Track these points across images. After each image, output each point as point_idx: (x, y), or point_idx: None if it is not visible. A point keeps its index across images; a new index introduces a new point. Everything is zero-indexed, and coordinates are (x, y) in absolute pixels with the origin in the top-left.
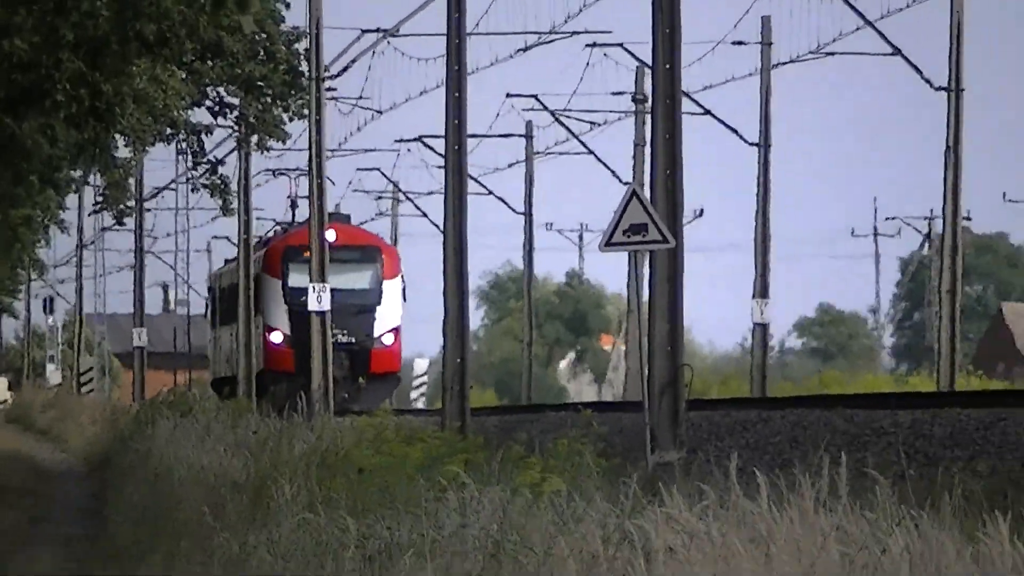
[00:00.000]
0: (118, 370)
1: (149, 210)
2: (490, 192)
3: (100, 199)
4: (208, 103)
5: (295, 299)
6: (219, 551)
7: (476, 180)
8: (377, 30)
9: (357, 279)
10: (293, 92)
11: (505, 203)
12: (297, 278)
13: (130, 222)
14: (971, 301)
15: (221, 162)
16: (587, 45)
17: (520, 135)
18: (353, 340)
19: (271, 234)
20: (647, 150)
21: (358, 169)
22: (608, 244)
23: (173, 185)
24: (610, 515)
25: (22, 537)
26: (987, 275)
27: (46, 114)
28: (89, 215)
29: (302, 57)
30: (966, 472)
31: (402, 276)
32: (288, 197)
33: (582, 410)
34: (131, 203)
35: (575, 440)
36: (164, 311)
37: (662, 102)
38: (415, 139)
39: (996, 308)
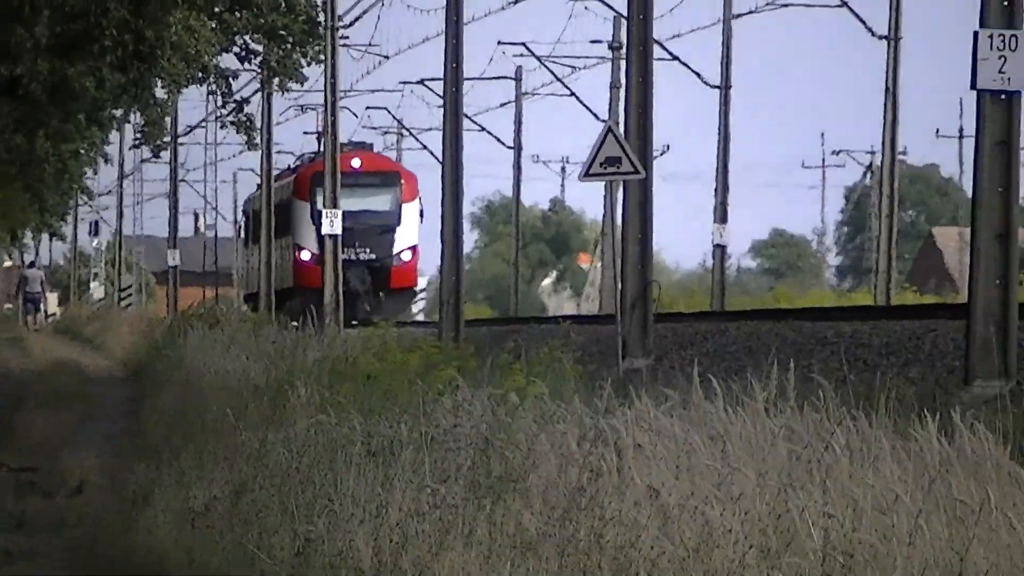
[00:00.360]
0: (154, 287)
1: (183, 144)
2: (483, 129)
3: (139, 135)
4: (235, 50)
5: (322, 220)
6: (242, 448)
7: (471, 118)
8: None
9: (378, 201)
10: (311, 39)
11: (497, 138)
12: (321, 200)
13: (165, 156)
14: (905, 226)
15: (247, 101)
16: None
17: (510, 78)
18: (374, 257)
19: (299, 162)
20: (622, 92)
21: (367, 107)
22: (587, 175)
23: (204, 123)
24: (586, 415)
25: (70, 435)
26: (920, 203)
27: (95, 58)
28: (129, 149)
29: (319, 8)
30: (900, 377)
31: (419, 199)
32: (316, 130)
33: (562, 322)
34: (167, 139)
35: (556, 349)
36: (194, 234)
37: (635, 49)
38: (418, 81)
39: (927, 232)
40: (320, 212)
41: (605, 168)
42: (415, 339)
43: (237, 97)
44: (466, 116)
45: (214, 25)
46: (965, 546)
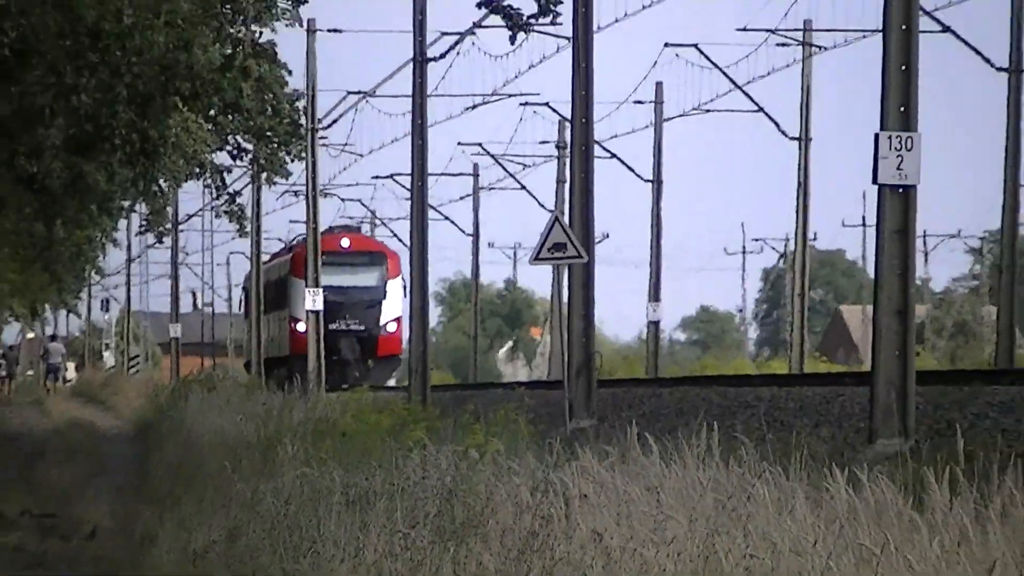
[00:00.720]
0: (159, 356)
1: (182, 231)
2: (446, 218)
3: (144, 223)
4: (228, 148)
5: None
6: (236, 497)
7: (435, 208)
8: (359, 92)
9: (366, 278)
10: (294, 139)
11: (457, 226)
12: (320, 276)
13: (167, 241)
14: (815, 303)
15: (239, 194)
16: (521, 104)
17: (469, 174)
18: (363, 328)
19: (294, 243)
20: (567, 186)
21: (343, 199)
22: (536, 259)
23: (200, 212)
24: (537, 469)
25: (84, 485)
26: (828, 283)
27: (106, 155)
28: (136, 235)
29: (301, 112)
30: (812, 436)
31: (403, 276)
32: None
33: (516, 388)
34: (168, 226)
35: (511, 410)
36: (193, 310)
37: (578, 148)
38: (388, 176)
39: (835, 309)
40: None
41: (552, 253)
42: (388, 401)
43: (230, 190)
44: (431, 207)
45: (210, 127)
46: None
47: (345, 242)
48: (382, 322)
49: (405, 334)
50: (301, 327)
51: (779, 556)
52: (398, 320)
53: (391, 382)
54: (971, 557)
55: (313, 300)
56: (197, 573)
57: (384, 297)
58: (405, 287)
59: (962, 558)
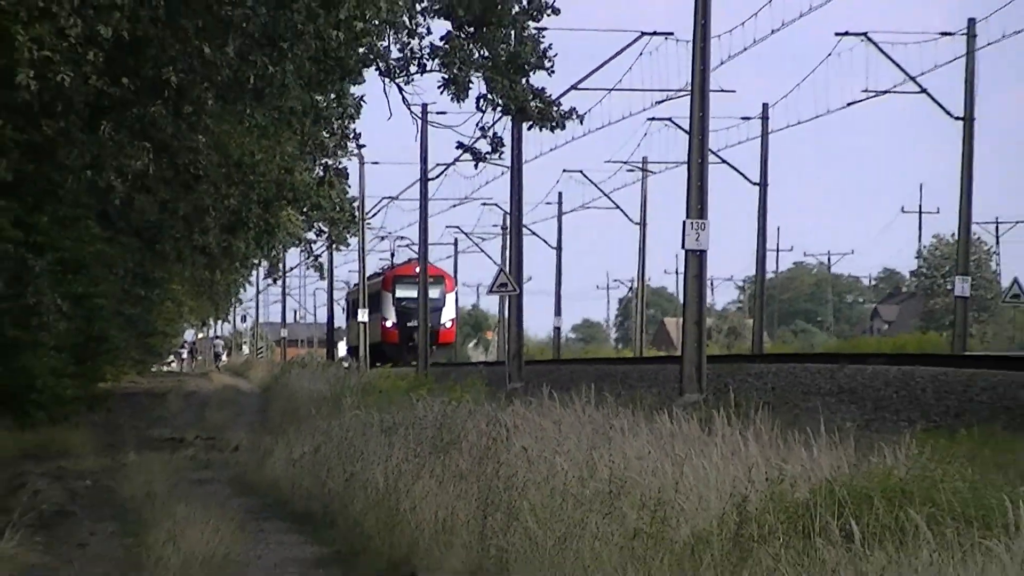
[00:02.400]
0: (274, 348)
1: (289, 277)
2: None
3: (267, 272)
4: (314, 229)
5: (399, 303)
6: (317, 428)
7: (432, 264)
8: (389, 197)
9: (431, 292)
10: (352, 225)
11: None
12: (400, 291)
13: (279, 282)
14: (650, 317)
15: (319, 256)
16: (481, 204)
17: (450, 244)
18: (430, 325)
19: (383, 270)
20: (508, 252)
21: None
22: (490, 292)
23: (297, 266)
24: (490, 411)
25: (230, 423)
26: (657, 305)
27: (244, 233)
28: (263, 279)
29: (356, 209)
30: (648, 393)
31: (456, 291)
32: (391, 256)
33: (478, 365)
34: (279, 275)
35: (475, 378)
36: (294, 321)
37: (513, 229)
38: (406, 245)
39: (661, 320)
40: (398, 298)
41: (500, 288)
42: (406, 373)
43: (317, 254)
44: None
45: (303, 217)
46: (679, 475)
47: (417, 268)
48: (442, 321)
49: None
50: (388, 323)
51: (629, 460)
52: (453, 320)
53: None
54: (739, 461)
55: (361, 314)
56: (296, 471)
57: (443, 304)
58: (457, 298)
59: (734, 461)
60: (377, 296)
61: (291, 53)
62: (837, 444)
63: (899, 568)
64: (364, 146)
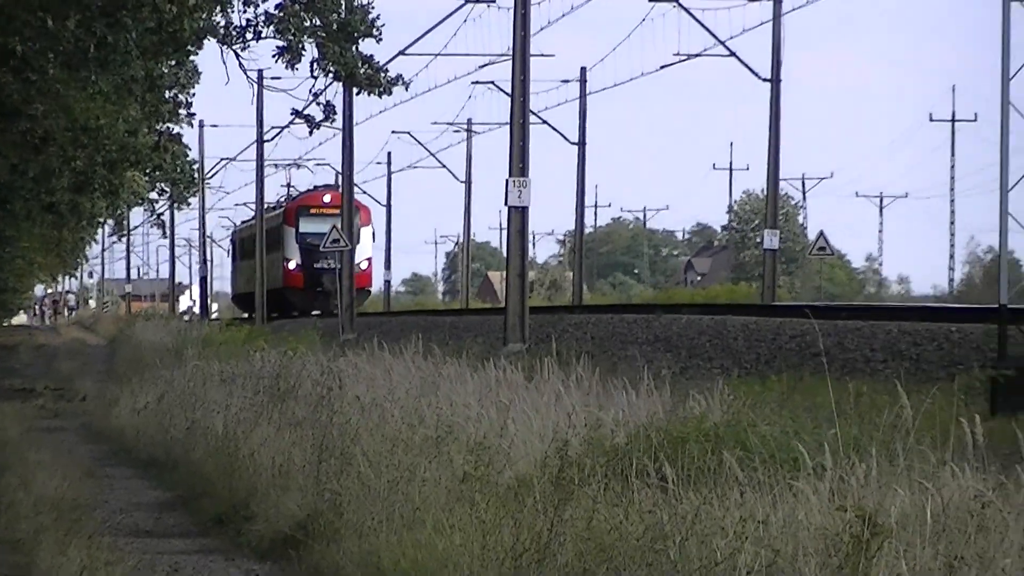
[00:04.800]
0: (120, 302)
1: (131, 234)
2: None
3: (113, 231)
4: (156, 190)
5: (304, 240)
6: (161, 378)
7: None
8: (227, 158)
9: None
10: (192, 186)
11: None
12: (305, 225)
13: (123, 240)
14: (475, 271)
15: (161, 215)
16: (316, 164)
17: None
18: (340, 266)
19: (283, 200)
20: (340, 211)
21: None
22: (323, 248)
23: (141, 225)
24: (324, 361)
25: (78, 373)
26: (482, 259)
27: (90, 194)
28: (108, 237)
29: (195, 170)
30: (474, 342)
31: (372, 225)
32: (286, 183)
33: (314, 317)
34: (123, 233)
35: (310, 330)
36: (138, 276)
37: (345, 191)
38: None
39: (486, 273)
40: (303, 234)
41: (332, 244)
42: (242, 324)
43: (159, 212)
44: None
45: (146, 179)
46: (504, 420)
47: (326, 197)
48: (356, 261)
49: (376, 271)
50: (292, 265)
51: (456, 407)
52: (369, 260)
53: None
54: (561, 408)
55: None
56: (141, 420)
57: (358, 241)
58: (374, 234)
59: (556, 408)
60: (277, 233)
61: (129, 24)
62: (653, 391)
63: (711, 508)
64: (195, 114)
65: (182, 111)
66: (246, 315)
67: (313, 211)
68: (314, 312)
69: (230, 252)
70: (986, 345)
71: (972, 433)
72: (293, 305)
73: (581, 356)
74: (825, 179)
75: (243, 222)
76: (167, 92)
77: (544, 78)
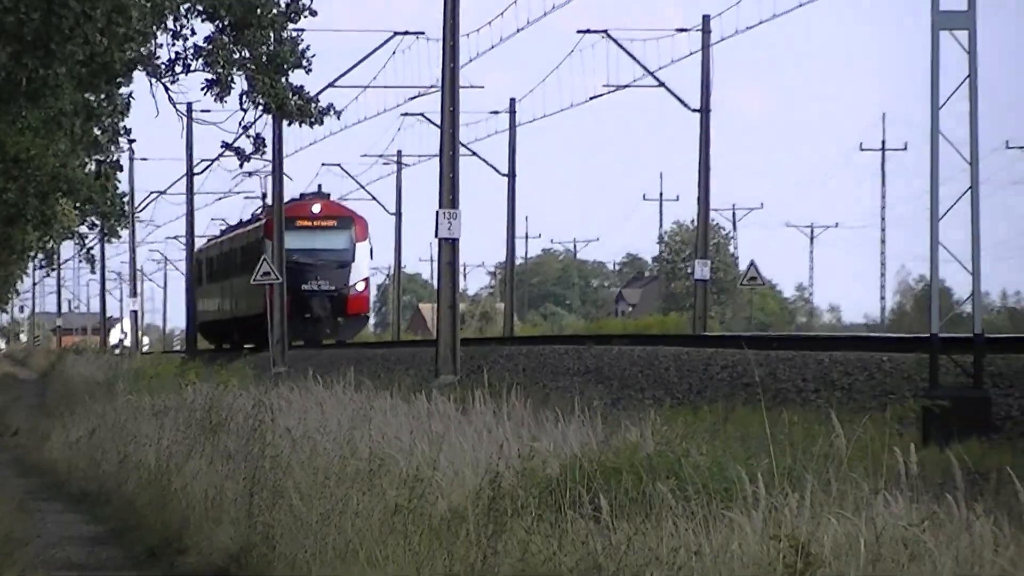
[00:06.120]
0: (51, 336)
1: (64, 270)
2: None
3: (42, 265)
4: (87, 223)
5: (289, 258)
6: (93, 412)
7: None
8: (158, 191)
9: (336, 241)
10: (122, 218)
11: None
12: (291, 241)
13: (54, 275)
14: (407, 303)
15: (91, 249)
16: (244, 197)
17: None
18: (333, 288)
19: (260, 212)
20: (271, 243)
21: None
22: (253, 281)
23: (72, 259)
24: (255, 394)
25: (9, 407)
26: (413, 291)
27: (21, 227)
28: (37, 270)
29: (126, 203)
30: (406, 375)
31: (370, 239)
32: (263, 193)
33: (244, 351)
34: (54, 267)
35: (243, 363)
36: (68, 311)
37: (276, 223)
38: (173, 238)
39: (417, 305)
40: (289, 251)
41: (263, 277)
42: (175, 357)
43: (89, 246)
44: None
45: (76, 211)
46: (437, 452)
47: (316, 207)
48: (351, 282)
49: (373, 294)
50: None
51: (388, 439)
52: (366, 280)
53: (178, 346)
54: (493, 439)
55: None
56: (73, 454)
57: (353, 259)
58: (372, 250)
59: (489, 439)
60: (255, 249)
61: (60, 56)
62: (586, 422)
63: (645, 538)
64: (135, 140)
65: (122, 138)
66: (214, 347)
67: (300, 223)
68: (296, 343)
69: (192, 274)
70: (918, 375)
71: (905, 462)
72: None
73: (513, 387)
74: (755, 209)
75: (209, 239)
76: (103, 120)
77: (474, 109)
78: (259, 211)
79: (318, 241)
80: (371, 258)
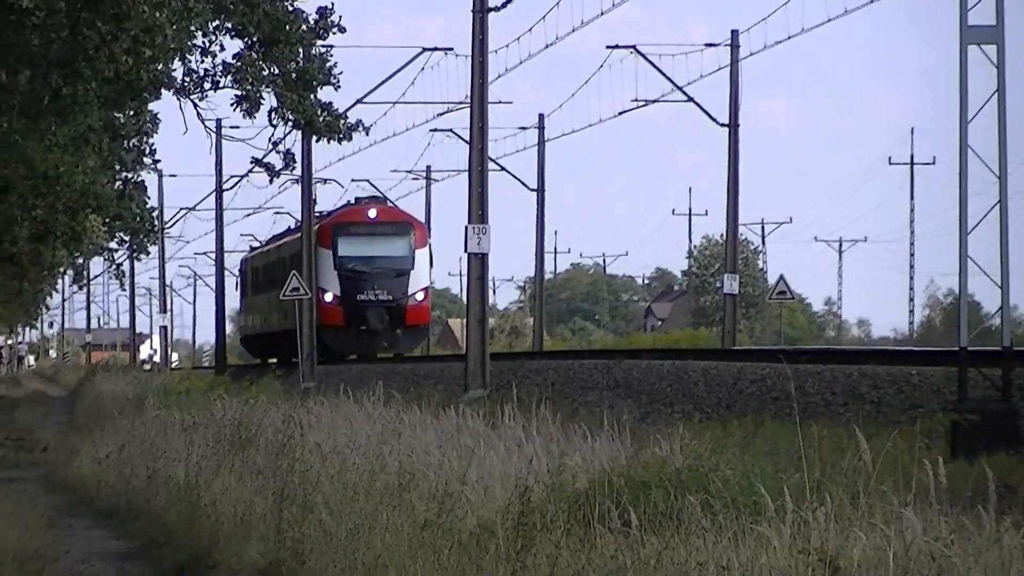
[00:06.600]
0: (80, 352)
1: (93, 286)
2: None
3: (73, 281)
4: (116, 239)
5: (343, 266)
6: (122, 428)
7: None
8: (187, 207)
9: (393, 248)
10: (151, 234)
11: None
12: (346, 248)
13: (84, 290)
14: (436, 319)
15: (120, 264)
16: (274, 213)
17: (241, 251)
18: (391, 298)
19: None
20: (301, 260)
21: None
22: (283, 297)
23: (101, 275)
24: (285, 409)
25: (39, 424)
26: (443, 307)
27: (51, 243)
28: (69, 287)
29: (155, 219)
30: (435, 389)
31: (430, 246)
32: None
33: (272, 365)
34: (84, 283)
35: (271, 377)
36: (98, 327)
37: (305, 239)
38: (203, 253)
39: (446, 321)
40: (343, 258)
41: (292, 293)
42: (204, 373)
43: (118, 262)
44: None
45: (104, 228)
46: (465, 468)
47: (372, 212)
48: (410, 291)
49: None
50: (329, 297)
51: (417, 454)
52: (426, 290)
53: (206, 362)
54: (522, 454)
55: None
56: (102, 470)
57: (412, 267)
58: (432, 257)
59: (518, 454)
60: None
61: (85, 75)
62: (615, 436)
63: (674, 553)
64: (160, 161)
65: (146, 159)
66: (259, 361)
67: (355, 229)
68: (351, 356)
69: (238, 285)
70: (946, 388)
71: (935, 475)
72: (328, 348)
73: (542, 402)
74: (784, 224)
75: (255, 247)
76: (129, 140)
77: (502, 125)
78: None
79: (375, 248)
80: (431, 266)
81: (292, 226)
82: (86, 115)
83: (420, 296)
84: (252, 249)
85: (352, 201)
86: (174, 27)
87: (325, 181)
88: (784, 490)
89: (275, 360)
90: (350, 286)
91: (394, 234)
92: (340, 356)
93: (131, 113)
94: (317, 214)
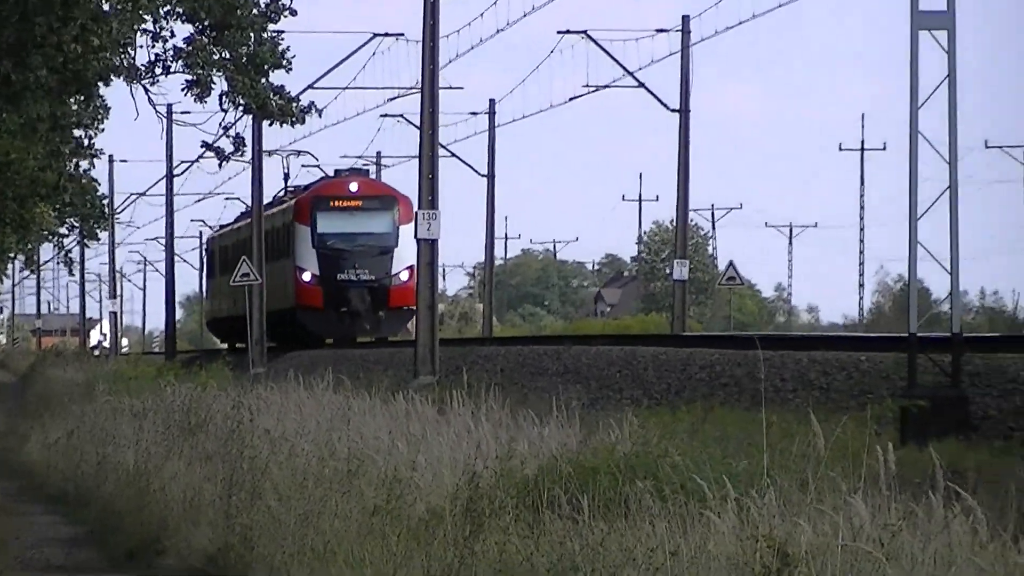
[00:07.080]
0: (31, 338)
1: (43, 270)
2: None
3: (23, 266)
4: (66, 224)
5: (322, 243)
6: (72, 413)
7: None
8: (138, 193)
9: (377, 224)
10: (102, 220)
11: (186, 261)
12: (325, 224)
13: (33, 276)
14: None
15: (70, 251)
16: (225, 198)
17: (194, 236)
18: (373, 278)
19: (286, 194)
20: (250, 244)
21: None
22: (232, 282)
23: (50, 261)
24: (235, 395)
25: None
26: None
27: (1, 230)
28: (19, 272)
29: (105, 204)
30: (384, 375)
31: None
32: (285, 174)
33: (224, 353)
34: (33, 269)
35: (221, 363)
36: (48, 312)
37: (255, 224)
38: (154, 239)
39: None
40: (322, 235)
41: (243, 278)
42: (155, 359)
43: (68, 249)
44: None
45: (55, 214)
46: (415, 453)
47: (353, 186)
48: (394, 271)
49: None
50: (307, 276)
51: (366, 440)
52: (411, 269)
53: (156, 347)
54: (471, 440)
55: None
56: (52, 455)
57: (396, 244)
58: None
59: (465, 438)
60: (284, 234)
61: (35, 63)
62: (564, 422)
63: (622, 538)
64: (102, 151)
65: (87, 151)
66: (225, 345)
67: (336, 203)
68: (328, 340)
69: (206, 264)
70: (896, 374)
71: (884, 461)
72: (307, 330)
73: (492, 388)
74: (734, 209)
75: (223, 225)
76: (70, 131)
77: (453, 110)
78: (281, 192)
79: (356, 224)
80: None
81: (281, 192)
82: (36, 101)
83: (405, 276)
84: (220, 227)
85: (333, 174)
86: (118, 18)
87: (299, 153)
88: (724, 478)
89: (245, 345)
90: (330, 265)
91: (377, 209)
92: (319, 339)
93: (82, 99)
94: (292, 188)
